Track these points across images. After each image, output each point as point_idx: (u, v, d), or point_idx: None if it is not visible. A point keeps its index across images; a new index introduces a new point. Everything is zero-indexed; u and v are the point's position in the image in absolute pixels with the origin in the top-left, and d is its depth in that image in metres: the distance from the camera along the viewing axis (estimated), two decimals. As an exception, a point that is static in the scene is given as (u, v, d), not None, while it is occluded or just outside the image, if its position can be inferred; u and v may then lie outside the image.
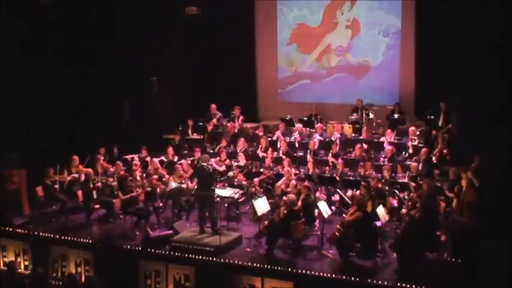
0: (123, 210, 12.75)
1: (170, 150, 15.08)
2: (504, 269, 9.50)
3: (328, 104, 17.90)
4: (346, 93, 17.76)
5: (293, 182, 12.82)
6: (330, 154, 14.54)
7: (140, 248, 11.52)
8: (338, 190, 12.86)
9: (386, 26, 17.56)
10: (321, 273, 10.22)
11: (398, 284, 9.71)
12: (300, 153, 14.97)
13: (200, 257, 10.99)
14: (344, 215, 11.55)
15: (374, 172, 13.18)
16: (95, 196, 13.07)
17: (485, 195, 10.45)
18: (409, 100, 16.98)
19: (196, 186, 12.51)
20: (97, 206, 13.22)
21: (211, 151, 15.48)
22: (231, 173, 13.69)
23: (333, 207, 12.65)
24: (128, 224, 12.70)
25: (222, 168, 14.10)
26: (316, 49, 18.57)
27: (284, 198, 11.89)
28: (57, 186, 13.51)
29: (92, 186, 13.07)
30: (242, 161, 14.54)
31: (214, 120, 16.81)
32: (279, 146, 15.23)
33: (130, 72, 16.95)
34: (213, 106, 17.02)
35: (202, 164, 12.06)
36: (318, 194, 12.87)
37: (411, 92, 17.09)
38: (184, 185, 13.24)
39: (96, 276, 10.92)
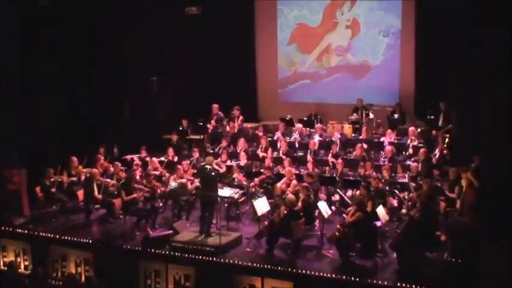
0: (123, 210, 12.75)
1: (170, 150, 15.08)
2: (504, 269, 9.52)
3: (328, 104, 17.89)
4: (346, 93, 17.75)
5: (294, 181, 12.82)
6: (330, 154, 14.54)
7: (140, 248, 11.51)
8: (338, 190, 12.85)
9: (386, 26, 17.56)
10: (321, 273, 10.22)
11: (398, 284, 9.70)
12: (300, 153, 14.97)
13: (200, 257, 10.99)
14: (344, 215, 11.55)
15: (374, 172, 13.19)
16: (99, 195, 13.03)
17: (485, 195, 10.47)
18: (409, 100, 16.98)
19: (199, 187, 12.49)
20: (97, 206, 13.22)
21: (212, 151, 15.47)
22: (235, 175, 13.66)
23: (333, 207, 12.66)
24: (128, 224, 12.70)
25: (223, 169, 14.09)
26: (316, 49, 18.57)
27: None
28: (56, 187, 13.49)
29: (95, 185, 13.05)
30: (243, 161, 14.53)
31: (213, 121, 16.77)
32: (279, 146, 15.23)
33: (130, 72, 16.94)
34: (215, 106, 16.96)
35: (206, 166, 11.94)
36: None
37: (411, 92, 17.09)
38: (184, 184, 13.23)
39: (96, 276, 10.94)
